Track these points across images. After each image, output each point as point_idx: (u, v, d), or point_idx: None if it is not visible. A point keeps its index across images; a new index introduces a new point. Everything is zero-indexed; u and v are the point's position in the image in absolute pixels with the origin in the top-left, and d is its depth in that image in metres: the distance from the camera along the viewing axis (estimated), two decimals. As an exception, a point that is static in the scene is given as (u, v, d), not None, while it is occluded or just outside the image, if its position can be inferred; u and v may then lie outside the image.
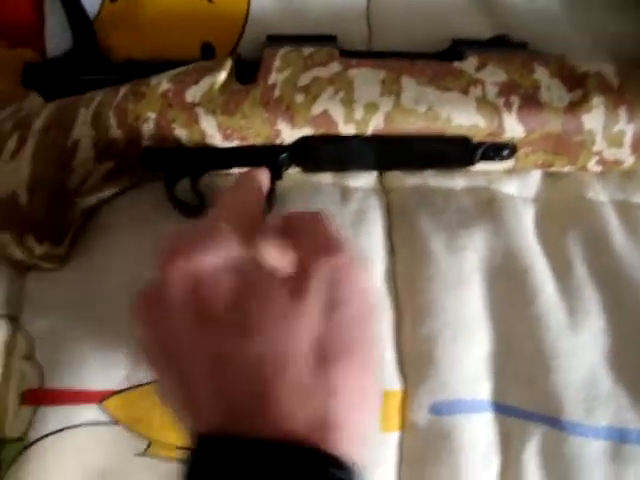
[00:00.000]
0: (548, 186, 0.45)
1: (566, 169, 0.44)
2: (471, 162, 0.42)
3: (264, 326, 0.28)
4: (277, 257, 0.31)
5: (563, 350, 0.40)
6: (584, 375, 0.40)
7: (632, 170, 0.44)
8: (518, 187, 0.45)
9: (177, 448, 0.37)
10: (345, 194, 0.44)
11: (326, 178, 0.44)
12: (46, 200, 0.39)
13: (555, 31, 0.47)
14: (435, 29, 0.46)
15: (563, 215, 0.44)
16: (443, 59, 0.41)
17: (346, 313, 0.30)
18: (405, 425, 0.40)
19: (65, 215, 0.40)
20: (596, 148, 0.42)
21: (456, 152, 0.41)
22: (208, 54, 0.42)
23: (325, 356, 0.28)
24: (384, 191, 0.45)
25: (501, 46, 0.43)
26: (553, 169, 0.44)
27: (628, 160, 0.43)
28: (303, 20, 0.46)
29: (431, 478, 0.38)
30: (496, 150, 0.41)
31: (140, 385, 0.38)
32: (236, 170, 0.42)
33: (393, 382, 0.40)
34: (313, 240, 0.32)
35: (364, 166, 0.44)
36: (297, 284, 0.29)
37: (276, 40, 0.41)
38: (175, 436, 0.37)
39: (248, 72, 0.40)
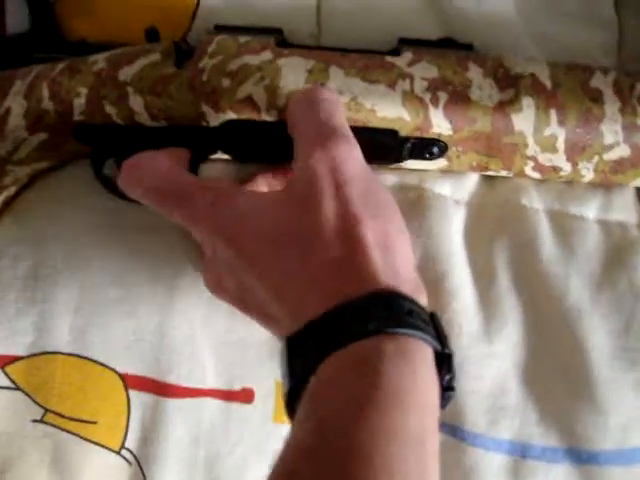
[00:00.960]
0: (483, 190, 0.44)
1: (503, 173, 0.43)
2: (400, 157, 0.41)
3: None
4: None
5: (473, 358, 0.39)
6: (492, 385, 0.39)
7: (573, 180, 0.43)
8: (451, 188, 0.44)
9: (72, 420, 0.38)
10: None
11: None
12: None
13: (503, 35, 0.46)
14: (383, 28, 0.46)
15: (495, 220, 0.43)
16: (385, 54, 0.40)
17: (357, 186, 0.32)
18: None
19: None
20: (529, 152, 0.41)
21: (383, 145, 0.40)
22: (152, 39, 0.43)
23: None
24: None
25: (446, 47, 0.42)
26: (490, 172, 0.43)
27: (566, 168, 0.41)
28: (252, 13, 0.47)
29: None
30: (424, 146, 0.40)
31: (44, 353, 0.39)
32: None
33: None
34: (309, 128, 0.34)
35: (288, 156, 0.43)
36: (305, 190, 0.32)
37: (223, 29, 0.42)
38: (72, 407, 0.38)
39: (188, 58, 0.40)
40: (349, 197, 0.31)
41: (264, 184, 0.39)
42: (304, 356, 0.29)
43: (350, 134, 0.34)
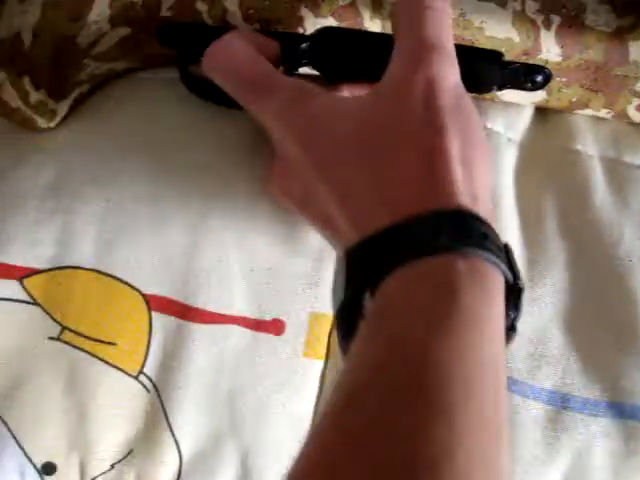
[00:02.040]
0: (538, 130, 0.42)
1: (603, 113, 0.40)
2: (500, 82, 0.37)
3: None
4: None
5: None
6: (533, 331, 0.38)
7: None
8: (505, 125, 0.41)
9: (90, 339, 0.35)
10: None
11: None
12: (51, 48, 0.36)
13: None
14: None
15: (547, 163, 0.41)
16: None
17: (449, 100, 0.30)
18: (330, 354, 0.38)
19: (70, 71, 0.37)
20: (638, 87, 0.38)
21: (485, 67, 0.37)
22: None
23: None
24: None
25: None
26: (587, 112, 0.40)
27: None
28: None
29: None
30: (528, 73, 0.37)
31: (65, 267, 0.36)
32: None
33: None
34: (411, 37, 0.31)
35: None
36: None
37: None
38: (91, 326, 0.35)
39: None
40: (439, 108, 0.29)
41: (349, 94, 0.36)
42: (366, 270, 0.27)
43: (453, 53, 0.31)
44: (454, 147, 0.29)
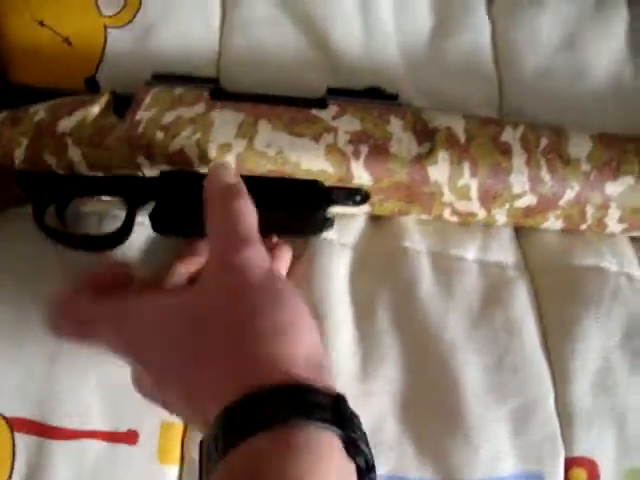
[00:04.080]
0: (369, 233, 0.46)
1: (424, 217, 0.45)
2: (324, 205, 0.42)
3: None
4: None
5: (350, 397, 0.39)
6: (369, 422, 0.39)
7: (488, 223, 0.45)
8: (338, 232, 0.45)
9: None
10: None
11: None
12: None
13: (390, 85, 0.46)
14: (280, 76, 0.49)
15: (379, 262, 0.44)
16: (312, 106, 0.42)
17: (260, 290, 0.33)
18: (184, 460, 0.41)
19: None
20: (445, 199, 0.42)
21: (307, 195, 0.42)
22: (92, 88, 0.45)
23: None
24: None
25: (373, 97, 0.44)
26: (412, 216, 0.45)
27: (480, 213, 0.43)
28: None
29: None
30: (348, 195, 0.42)
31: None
32: (103, 197, 0.44)
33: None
34: (219, 230, 0.35)
35: None
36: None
37: (160, 78, 0.44)
38: None
39: (127, 108, 0.42)
40: (251, 292, 0.32)
41: (182, 274, 0.40)
42: (213, 450, 0.29)
43: (257, 237, 0.35)
44: (267, 324, 0.31)
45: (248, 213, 0.35)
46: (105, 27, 0.49)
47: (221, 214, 0.35)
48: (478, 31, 0.52)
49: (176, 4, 0.49)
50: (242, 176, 0.39)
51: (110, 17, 0.49)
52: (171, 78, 0.44)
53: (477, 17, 0.52)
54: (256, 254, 0.34)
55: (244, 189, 0.36)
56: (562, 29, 0.51)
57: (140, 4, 0.49)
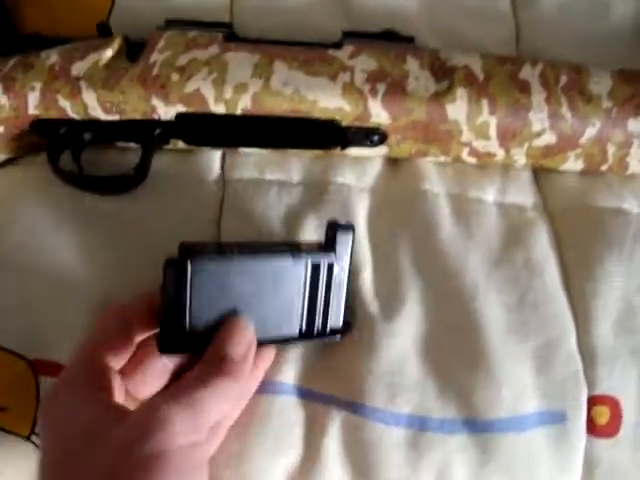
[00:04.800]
0: (387, 176, 0.46)
1: (442, 159, 0.44)
2: (342, 144, 0.42)
3: None
4: None
5: (374, 337, 0.40)
6: (391, 363, 0.40)
7: (507, 164, 0.45)
8: (355, 177, 0.45)
9: None
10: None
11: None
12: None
13: (405, 28, 0.45)
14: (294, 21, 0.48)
15: (398, 205, 0.44)
16: (328, 48, 0.42)
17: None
18: None
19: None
20: (464, 139, 0.42)
21: (325, 134, 0.42)
22: (104, 33, 0.44)
23: None
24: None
25: (389, 39, 0.43)
26: (429, 158, 0.44)
27: (499, 153, 0.43)
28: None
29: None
30: (365, 135, 0.42)
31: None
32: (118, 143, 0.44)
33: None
34: None
35: (239, 143, 0.44)
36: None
37: (173, 23, 0.44)
38: None
39: (139, 52, 0.42)
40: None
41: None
42: None
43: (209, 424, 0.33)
44: None
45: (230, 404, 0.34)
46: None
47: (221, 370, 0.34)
48: None
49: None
50: (259, 116, 0.39)
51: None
52: (184, 23, 0.44)
53: None
54: (191, 423, 0.31)
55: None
56: None
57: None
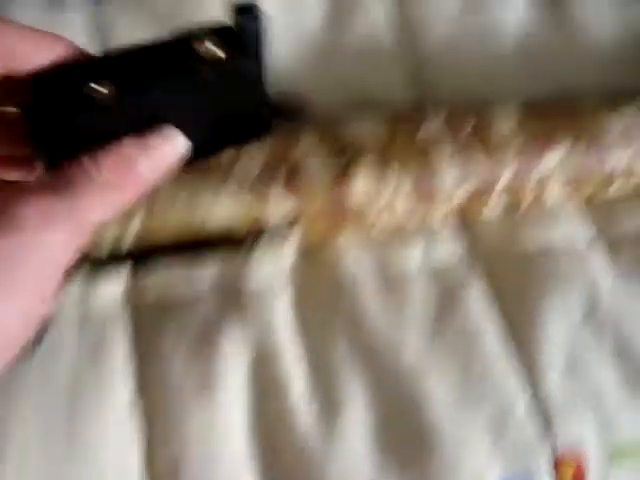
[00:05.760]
0: (303, 264, 0.43)
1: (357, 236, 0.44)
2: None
3: None
4: None
5: (316, 451, 0.38)
6: (344, 468, 0.38)
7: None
8: (268, 273, 0.42)
9: None
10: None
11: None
12: None
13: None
14: None
15: (320, 296, 0.42)
16: None
17: None
18: None
19: None
20: (375, 214, 0.42)
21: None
22: None
23: None
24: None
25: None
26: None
27: (416, 219, 0.43)
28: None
29: None
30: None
31: None
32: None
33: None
34: None
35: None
36: None
37: None
38: None
39: None
40: None
41: None
42: None
43: None
44: None
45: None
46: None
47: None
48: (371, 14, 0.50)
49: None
50: None
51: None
52: None
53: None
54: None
55: None
56: None
57: None
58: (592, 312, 0.42)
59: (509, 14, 0.50)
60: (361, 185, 0.40)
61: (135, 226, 0.38)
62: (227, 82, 0.30)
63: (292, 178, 0.39)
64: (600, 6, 0.50)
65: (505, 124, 0.41)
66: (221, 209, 0.39)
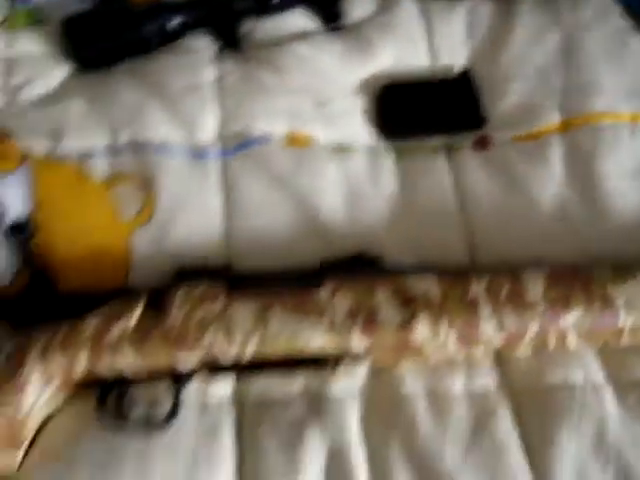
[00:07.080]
0: (372, 382, 0.53)
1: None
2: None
3: None
4: None
5: None
6: None
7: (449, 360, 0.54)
8: (346, 386, 0.53)
9: None
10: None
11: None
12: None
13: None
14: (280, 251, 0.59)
15: (384, 409, 0.52)
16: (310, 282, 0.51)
17: None
18: None
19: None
20: (429, 352, 0.51)
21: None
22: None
23: None
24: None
25: (358, 264, 0.54)
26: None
27: (460, 356, 0.53)
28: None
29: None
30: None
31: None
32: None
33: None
34: None
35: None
36: None
37: (184, 275, 0.53)
38: None
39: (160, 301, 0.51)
40: None
41: None
42: None
43: None
44: None
45: None
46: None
47: None
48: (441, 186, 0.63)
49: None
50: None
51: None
52: (192, 272, 0.53)
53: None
54: None
55: None
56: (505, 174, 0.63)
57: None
58: (600, 441, 0.50)
59: (546, 192, 0.62)
60: (420, 332, 0.50)
61: (250, 352, 0.50)
62: None
63: (369, 323, 0.50)
64: (622, 181, 0.61)
65: (532, 290, 0.50)
66: (315, 343, 0.49)
